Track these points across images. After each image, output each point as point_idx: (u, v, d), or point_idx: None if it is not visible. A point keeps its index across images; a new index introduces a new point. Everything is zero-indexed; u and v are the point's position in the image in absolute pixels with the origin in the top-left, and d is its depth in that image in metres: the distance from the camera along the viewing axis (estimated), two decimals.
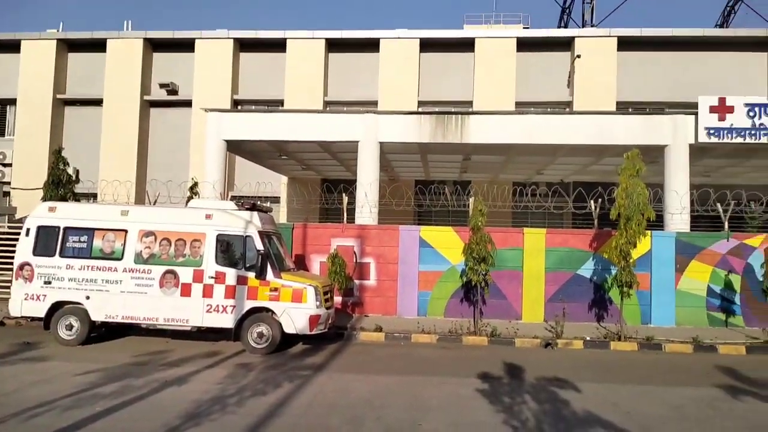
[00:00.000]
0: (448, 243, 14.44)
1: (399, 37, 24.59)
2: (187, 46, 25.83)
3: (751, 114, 14.98)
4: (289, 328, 10.30)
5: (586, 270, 14.20)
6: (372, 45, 24.92)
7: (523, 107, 23.52)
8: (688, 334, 12.48)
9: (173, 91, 26.00)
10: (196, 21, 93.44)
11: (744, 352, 11.55)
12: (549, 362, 10.12)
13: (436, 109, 20.32)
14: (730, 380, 9.00)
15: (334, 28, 26.52)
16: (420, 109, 23.22)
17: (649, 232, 13.47)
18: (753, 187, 20.31)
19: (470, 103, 24.24)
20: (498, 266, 13.64)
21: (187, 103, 25.41)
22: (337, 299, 13.96)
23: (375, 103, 24.27)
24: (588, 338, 12.06)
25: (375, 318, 13.79)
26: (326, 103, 25.26)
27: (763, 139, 14.92)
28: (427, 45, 24.93)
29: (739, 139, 15.00)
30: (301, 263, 14.33)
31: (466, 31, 25.52)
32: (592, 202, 14.56)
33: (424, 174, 22.68)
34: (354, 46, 25.33)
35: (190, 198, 13.95)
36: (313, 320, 10.36)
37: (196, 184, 15.00)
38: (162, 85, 25.73)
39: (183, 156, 24.86)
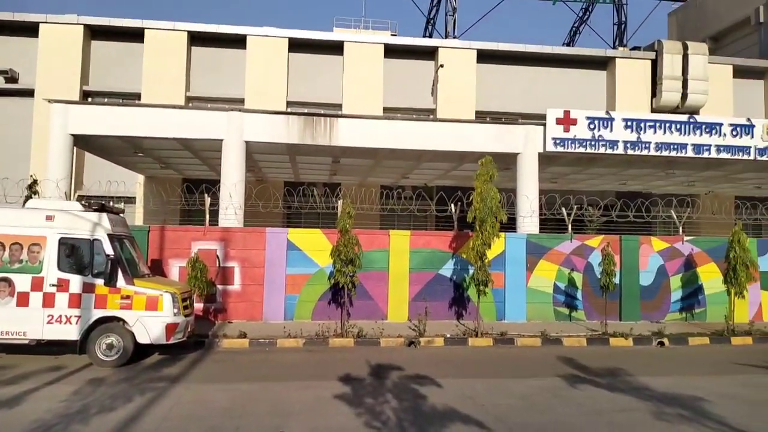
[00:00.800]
0: (316, 245, 14.36)
1: (267, 35, 24.12)
2: (30, 30, 23.38)
3: (591, 126, 16.53)
4: (143, 338, 9.64)
5: (447, 270, 14.82)
6: (238, 42, 24.22)
7: (390, 112, 24.11)
8: (538, 328, 13.47)
9: (12, 79, 23.43)
10: (41, 4, 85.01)
11: (585, 343, 12.69)
12: (412, 360, 10.40)
13: (305, 110, 20.20)
14: (572, 370, 9.83)
15: (198, 21, 25.31)
16: (289, 110, 22.93)
17: (503, 234, 14.36)
18: (593, 192, 22.49)
19: (339, 106, 24.39)
20: (365, 267, 13.81)
21: (29, 93, 23.00)
22: (199, 306, 13.33)
23: (242, 101, 23.61)
24: (448, 335, 12.59)
25: (239, 324, 13.34)
26: (188, 99, 24.12)
27: (601, 150, 16.53)
28: (296, 45, 24.70)
29: (581, 149, 16.49)
30: (157, 269, 13.50)
31: (335, 34, 25.65)
32: (452, 205, 15.23)
33: (294, 175, 22.44)
34: (219, 42, 24.45)
35: (28, 197, 12.57)
36: (170, 329, 9.79)
37: (36, 182, 13.53)
38: None
39: (23, 151, 22.45)
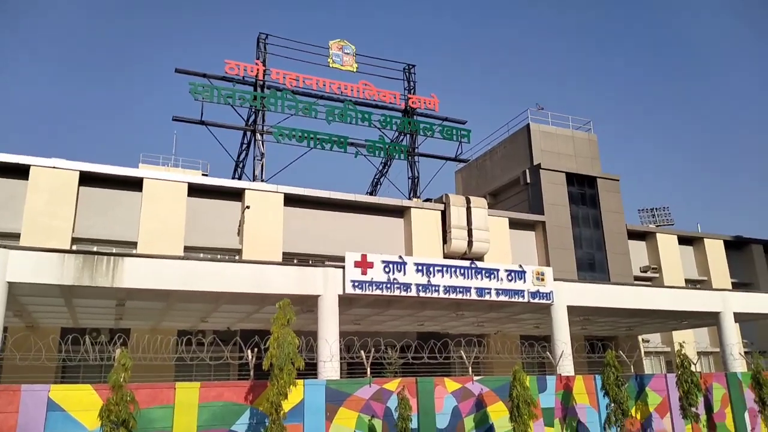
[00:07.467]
0: (85, 404, 12.35)
1: (55, 167, 22.26)
2: None
3: (387, 270, 17.29)
4: None
5: (241, 426, 13.54)
6: (20, 172, 22.00)
7: (194, 251, 23.15)
8: None
9: None
10: None
11: None
12: None
13: (95, 248, 18.48)
14: None
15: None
16: (74, 247, 20.85)
17: (300, 381, 13.74)
18: (394, 333, 23.10)
19: (135, 244, 22.81)
20: (144, 428, 12.14)
21: None
22: None
23: (18, 236, 21.00)
24: None
25: None
26: None
27: (396, 292, 17.23)
28: (90, 179, 23.10)
29: (378, 292, 17.03)
30: None
31: (133, 170, 24.52)
32: (249, 351, 14.37)
33: (72, 320, 19.88)
34: None
35: None
36: None
37: None
38: None
39: None
